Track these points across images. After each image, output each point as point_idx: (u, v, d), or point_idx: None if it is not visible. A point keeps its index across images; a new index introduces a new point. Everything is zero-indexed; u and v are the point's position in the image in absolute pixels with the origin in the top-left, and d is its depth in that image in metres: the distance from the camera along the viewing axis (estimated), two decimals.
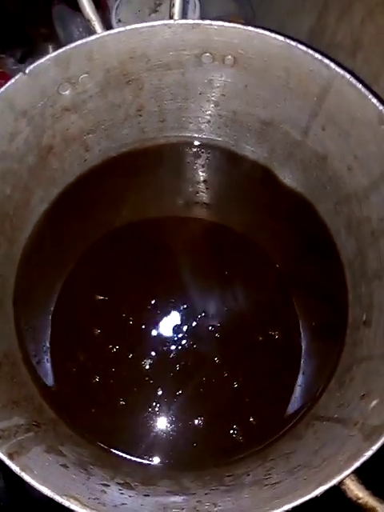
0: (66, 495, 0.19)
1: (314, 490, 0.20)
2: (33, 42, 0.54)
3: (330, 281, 0.36)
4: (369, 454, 0.21)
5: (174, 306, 0.36)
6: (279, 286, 0.38)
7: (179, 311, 0.36)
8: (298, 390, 0.33)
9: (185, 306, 0.36)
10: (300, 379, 0.33)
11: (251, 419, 0.31)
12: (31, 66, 0.28)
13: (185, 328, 0.35)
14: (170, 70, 0.32)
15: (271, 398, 0.33)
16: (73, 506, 0.19)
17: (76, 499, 0.19)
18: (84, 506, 0.19)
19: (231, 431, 0.31)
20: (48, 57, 0.29)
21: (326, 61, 0.28)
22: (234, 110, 0.36)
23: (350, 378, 0.30)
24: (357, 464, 0.20)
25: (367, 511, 0.22)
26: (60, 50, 0.29)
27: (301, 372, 0.34)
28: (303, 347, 0.35)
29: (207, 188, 0.41)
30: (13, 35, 0.52)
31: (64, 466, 0.23)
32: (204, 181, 0.41)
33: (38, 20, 0.53)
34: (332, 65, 0.28)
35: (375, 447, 0.21)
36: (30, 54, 0.52)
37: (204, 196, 0.41)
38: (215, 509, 0.21)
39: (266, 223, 0.40)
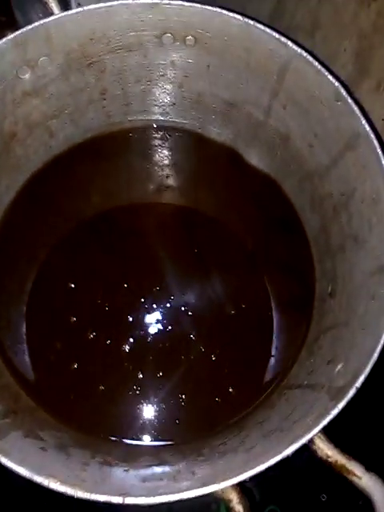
0: (44, 475, 0.20)
1: (284, 449, 0.21)
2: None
3: (297, 257, 0.37)
4: (335, 412, 0.22)
5: (149, 291, 0.37)
6: (249, 265, 0.38)
7: (154, 295, 0.36)
8: (272, 362, 0.34)
9: (158, 290, 0.37)
10: (273, 351, 0.35)
11: (231, 390, 0.32)
12: None
13: (160, 311, 0.36)
14: (131, 51, 0.32)
15: (248, 369, 0.34)
16: (52, 485, 0.19)
17: (55, 477, 0.19)
18: (63, 483, 0.19)
19: (213, 404, 0.32)
20: (5, 39, 0.28)
21: (284, 39, 0.29)
22: (198, 91, 0.36)
23: (318, 347, 0.31)
24: (324, 422, 0.21)
25: (337, 469, 0.23)
26: (17, 32, 0.28)
27: (274, 345, 0.35)
28: (275, 321, 0.36)
29: (176, 172, 0.41)
30: None
31: (42, 448, 0.24)
32: (173, 164, 0.41)
33: None
34: (290, 43, 0.29)
35: (341, 405, 0.22)
36: None
37: (173, 180, 0.41)
38: (194, 476, 0.22)
39: (235, 204, 0.40)
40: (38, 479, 0.20)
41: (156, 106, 0.38)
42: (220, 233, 0.39)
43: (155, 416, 0.33)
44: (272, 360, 0.35)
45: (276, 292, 0.37)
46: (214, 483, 0.20)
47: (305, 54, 0.29)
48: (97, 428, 0.32)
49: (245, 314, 0.36)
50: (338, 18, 0.36)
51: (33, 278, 0.37)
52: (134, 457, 0.28)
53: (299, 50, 0.29)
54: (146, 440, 0.32)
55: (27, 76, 0.30)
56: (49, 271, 0.37)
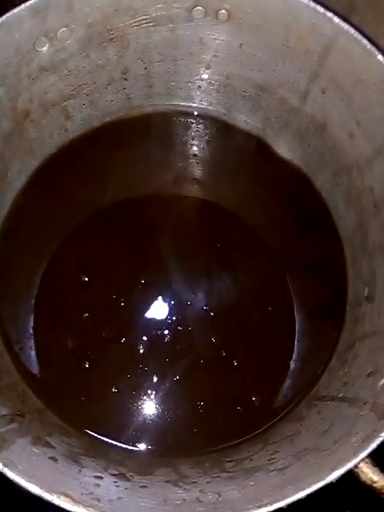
0: (55, 492, 0.17)
1: (328, 475, 0.18)
2: (5, 9, 0.50)
3: (327, 257, 0.35)
4: None
5: (167, 287, 0.34)
6: (274, 264, 0.36)
7: (172, 292, 0.34)
8: (294, 370, 0.32)
9: (178, 287, 0.34)
10: (295, 358, 0.32)
11: (253, 398, 0.30)
12: (4, 17, 0.25)
13: (179, 309, 0.33)
14: (158, 25, 0.30)
15: (272, 377, 0.31)
16: (64, 504, 0.17)
17: (67, 496, 0.17)
18: (76, 502, 0.17)
19: (233, 413, 0.30)
20: (23, 6, 0.26)
21: (330, 14, 0.26)
22: (227, 73, 0.33)
23: (352, 355, 0.28)
24: (373, 445, 0.19)
25: (383, 495, 0.21)
26: None
27: (295, 351, 0.33)
28: (297, 326, 0.33)
29: (198, 162, 0.38)
30: None
31: (52, 458, 0.21)
32: (194, 154, 0.38)
33: None
34: (336, 19, 0.26)
35: None
36: None
37: (195, 171, 0.38)
38: (219, 498, 0.20)
39: (260, 198, 0.38)
40: (49, 497, 0.17)
41: (180, 89, 0.36)
42: (243, 230, 0.37)
43: (171, 423, 0.30)
44: (298, 366, 0.32)
45: (301, 294, 0.35)
46: (246, 510, 0.18)
47: (352, 30, 0.26)
48: (108, 433, 0.30)
49: (271, 317, 0.33)
50: (376, 1, 0.33)
51: (43, 270, 0.35)
52: (149, 468, 0.25)
53: (347, 27, 0.26)
54: (161, 448, 0.29)
55: (45, 49, 0.28)
56: (60, 263, 0.35)
